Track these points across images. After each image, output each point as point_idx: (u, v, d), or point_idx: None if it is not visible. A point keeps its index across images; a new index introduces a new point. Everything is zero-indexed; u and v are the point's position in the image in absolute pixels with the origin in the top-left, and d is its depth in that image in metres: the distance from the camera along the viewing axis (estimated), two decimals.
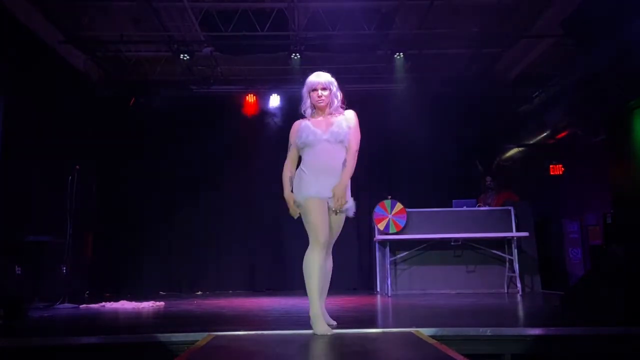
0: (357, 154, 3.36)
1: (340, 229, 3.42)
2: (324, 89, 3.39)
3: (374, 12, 7.34)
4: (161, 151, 8.66)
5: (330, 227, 3.29)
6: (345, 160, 3.31)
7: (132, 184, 8.60)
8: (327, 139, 3.30)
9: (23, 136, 6.45)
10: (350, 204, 3.32)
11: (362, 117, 3.47)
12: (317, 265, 3.18)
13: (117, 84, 8.70)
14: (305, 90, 3.45)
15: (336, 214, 3.31)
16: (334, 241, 3.41)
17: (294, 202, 3.32)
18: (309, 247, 3.23)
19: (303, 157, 3.37)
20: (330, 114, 3.41)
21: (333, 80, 3.45)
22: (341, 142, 3.30)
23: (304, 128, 3.36)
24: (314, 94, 3.40)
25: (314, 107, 3.45)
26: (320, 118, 3.42)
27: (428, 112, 8.40)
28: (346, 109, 3.48)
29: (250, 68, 8.91)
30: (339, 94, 3.45)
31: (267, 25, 7.34)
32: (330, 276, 3.44)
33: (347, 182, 3.30)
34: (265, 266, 8.66)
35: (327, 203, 3.27)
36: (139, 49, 8.23)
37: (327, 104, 3.40)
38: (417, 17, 7.35)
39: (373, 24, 7.44)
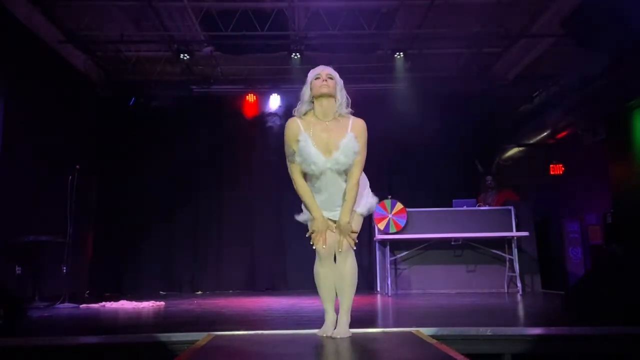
0: (359, 183, 2.98)
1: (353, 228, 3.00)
2: (330, 77, 2.99)
3: (374, 11, 7.35)
4: (161, 151, 8.65)
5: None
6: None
7: (132, 184, 8.59)
8: (330, 167, 2.92)
9: (23, 136, 6.45)
10: (367, 206, 3.07)
11: (362, 117, 3.15)
12: (318, 274, 3.09)
13: (117, 84, 8.72)
14: (305, 87, 3.04)
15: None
16: (349, 243, 3.01)
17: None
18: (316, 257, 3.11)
19: (309, 182, 3.03)
20: (339, 119, 2.98)
21: (340, 80, 3.06)
22: (345, 171, 2.95)
23: (303, 149, 2.90)
24: (317, 81, 2.97)
25: (313, 100, 3.00)
26: (324, 125, 2.97)
27: (428, 112, 8.39)
28: (352, 113, 3.04)
29: (250, 68, 8.91)
30: (346, 95, 3.04)
31: (267, 25, 7.34)
32: (349, 280, 3.03)
33: (349, 217, 2.95)
34: (265, 266, 8.66)
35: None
36: (139, 49, 8.23)
37: (331, 92, 2.95)
38: (417, 17, 7.35)
39: (373, 24, 7.44)
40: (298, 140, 2.93)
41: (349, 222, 2.96)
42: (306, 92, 3.02)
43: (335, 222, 3.03)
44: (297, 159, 2.94)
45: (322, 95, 2.97)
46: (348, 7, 7.19)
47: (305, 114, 3.05)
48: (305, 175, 3.02)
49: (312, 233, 3.00)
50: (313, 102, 3.02)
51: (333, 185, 2.98)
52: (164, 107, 8.73)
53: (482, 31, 7.64)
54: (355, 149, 2.91)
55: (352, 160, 2.92)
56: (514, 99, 8.94)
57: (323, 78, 2.97)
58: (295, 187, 3.04)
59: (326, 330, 3.08)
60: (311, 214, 3.00)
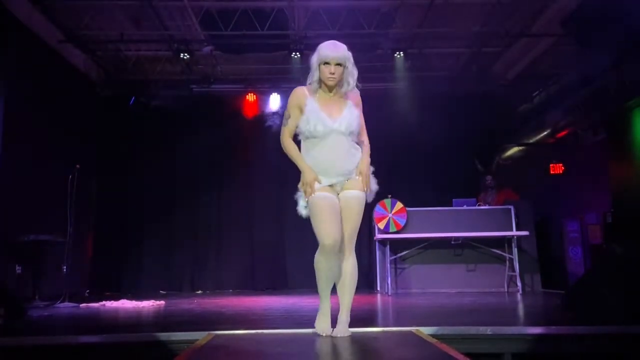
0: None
1: (356, 222, 3.04)
2: (338, 64, 2.89)
3: (373, 11, 7.36)
4: (161, 151, 8.65)
5: (346, 221, 2.98)
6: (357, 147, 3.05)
7: (132, 183, 8.59)
8: (337, 128, 2.93)
9: (23, 136, 6.45)
10: (373, 186, 3.08)
11: (362, 117, 3.14)
12: (321, 265, 2.97)
13: (117, 83, 8.72)
14: (315, 60, 2.94)
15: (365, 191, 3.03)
16: (351, 238, 3.04)
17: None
18: (318, 247, 2.97)
19: (307, 147, 2.99)
20: (341, 95, 3.00)
21: (350, 55, 2.95)
22: (352, 133, 2.97)
23: (311, 112, 2.93)
24: (326, 69, 2.90)
25: (321, 82, 2.96)
26: (329, 97, 2.99)
27: (428, 111, 8.39)
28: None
29: (250, 67, 8.91)
30: (355, 72, 2.98)
31: (267, 24, 7.35)
32: (350, 279, 3.03)
33: (368, 160, 3.05)
34: (265, 265, 8.66)
35: (339, 196, 2.99)
36: (139, 48, 8.24)
37: (337, 83, 2.95)
38: (417, 16, 7.36)
39: (373, 23, 7.45)
40: (305, 105, 2.97)
41: (367, 166, 3.03)
42: (315, 72, 2.96)
43: (338, 194, 3.02)
44: (302, 123, 2.96)
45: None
46: (348, 6, 7.20)
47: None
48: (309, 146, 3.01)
49: (303, 186, 2.98)
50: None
51: (338, 146, 2.96)
52: (164, 107, 8.72)
53: (482, 31, 7.64)
54: (355, 114, 3.01)
55: (356, 123, 2.99)
56: (514, 99, 8.94)
57: (331, 70, 2.90)
58: (283, 146, 3.08)
59: (323, 321, 3.06)
60: (299, 165, 3.00)
